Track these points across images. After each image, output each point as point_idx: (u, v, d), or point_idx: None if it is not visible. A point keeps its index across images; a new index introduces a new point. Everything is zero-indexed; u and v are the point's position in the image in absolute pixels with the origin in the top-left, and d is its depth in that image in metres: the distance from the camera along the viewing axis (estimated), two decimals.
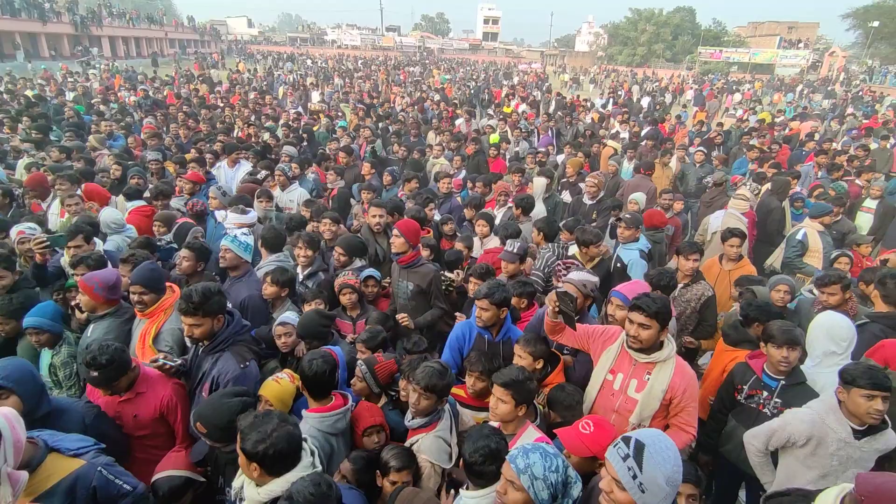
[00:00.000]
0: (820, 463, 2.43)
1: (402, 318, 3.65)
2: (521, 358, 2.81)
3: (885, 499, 1.71)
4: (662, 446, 1.64)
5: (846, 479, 2.38)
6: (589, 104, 16.73)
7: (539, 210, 6.14)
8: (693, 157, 8.56)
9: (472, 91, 21.39)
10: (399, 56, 47.58)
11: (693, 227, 7.25)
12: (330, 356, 2.49)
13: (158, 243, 4.33)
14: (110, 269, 3.37)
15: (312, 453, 2.04)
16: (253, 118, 11.35)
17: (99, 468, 1.99)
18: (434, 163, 7.86)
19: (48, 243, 3.75)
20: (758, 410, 2.92)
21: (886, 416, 2.36)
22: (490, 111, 13.78)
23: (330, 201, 6.35)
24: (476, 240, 4.92)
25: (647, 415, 2.47)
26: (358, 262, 4.16)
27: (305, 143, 8.84)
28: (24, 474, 1.81)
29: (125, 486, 2.03)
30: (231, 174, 6.58)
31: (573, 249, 4.52)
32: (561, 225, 4.86)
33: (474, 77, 30.45)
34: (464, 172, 7.48)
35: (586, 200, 6.17)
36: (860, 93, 27.55)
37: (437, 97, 17.47)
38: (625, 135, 10.90)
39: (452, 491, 2.26)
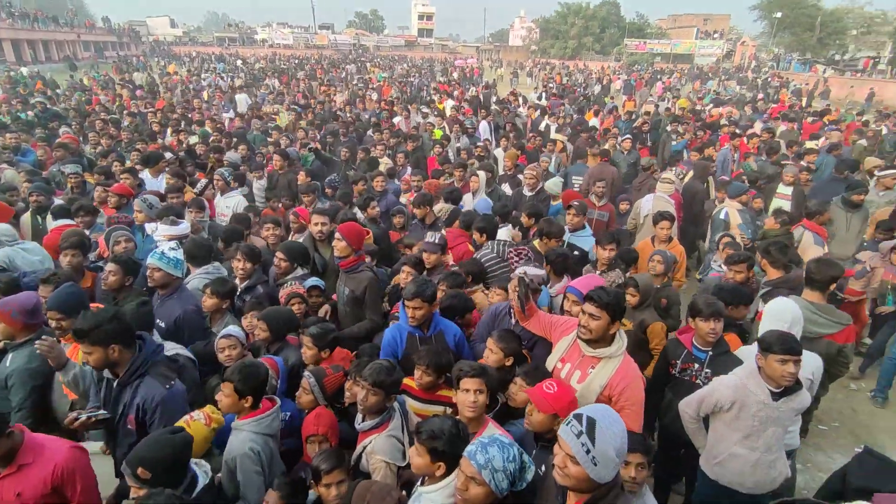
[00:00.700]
0: (743, 424, 2.63)
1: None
2: (493, 353, 2.80)
3: None
4: (611, 421, 1.76)
5: (766, 437, 2.61)
6: (521, 99, 17.06)
7: (484, 205, 6.28)
8: (621, 146, 8.96)
9: (413, 88, 21.34)
10: (334, 54, 46.62)
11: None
12: (257, 364, 2.46)
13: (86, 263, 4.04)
14: (29, 293, 3.12)
15: None
16: (183, 124, 10.77)
17: None
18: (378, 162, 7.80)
19: None
20: (691, 382, 3.12)
21: (800, 378, 2.59)
22: (425, 108, 13.78)
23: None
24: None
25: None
26: (300, 271, 4.05)
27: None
28: None
29: None
30: (156, 184, 6.21)
31: (504, 233, 4.62)
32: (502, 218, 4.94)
33: (412, 74, 30.35)
34: (409, 170, 7.47)
35: (526, 192, 6.28)
36: (769, 79, 29.83)
37: (374, 95, 17.29)
38: (554, 126, 11.18)
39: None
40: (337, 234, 3.66)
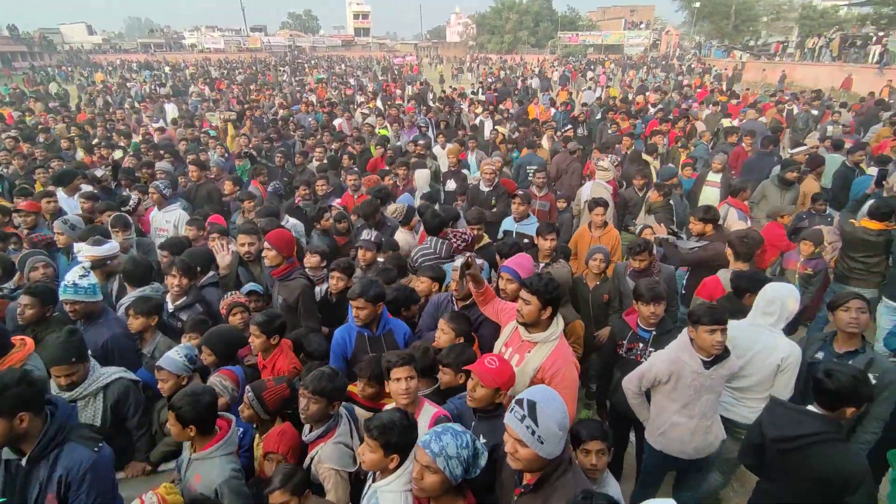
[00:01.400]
0: (681, 395, 2.78)
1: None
2: (445, 333, 2.91)
3: None
4: (550, 399, 1.85)
5: (702, 405, 2.77)
6: (457, 94, 17.21)
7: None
8: (563, 135, 9.21)
9: (355, 89, 21.01)
10: (269, 57, 45.22)
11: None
12: (199, 392, 2.34)
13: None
14: None
15: None
16: (113, 137, 10.06)
17: None
18: (318, 166, 7.62)
19: None
20: (636, 361, 3.25)
21: (728, 346, 2.77)
22: (364, 110, 13.61)
23: None
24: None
25: (518, 391, 2.62)
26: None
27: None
28: None
29: None
30: (72, 204, 5.78)
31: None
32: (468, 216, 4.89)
33: (352, 74, 29.92)
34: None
35: (483, 188, 6.16)
36: (692, 65, 31.52)
37: (313, 97, 16.92)
38: (489, 123, 11.27)
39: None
40: (266, 244, 3.54)
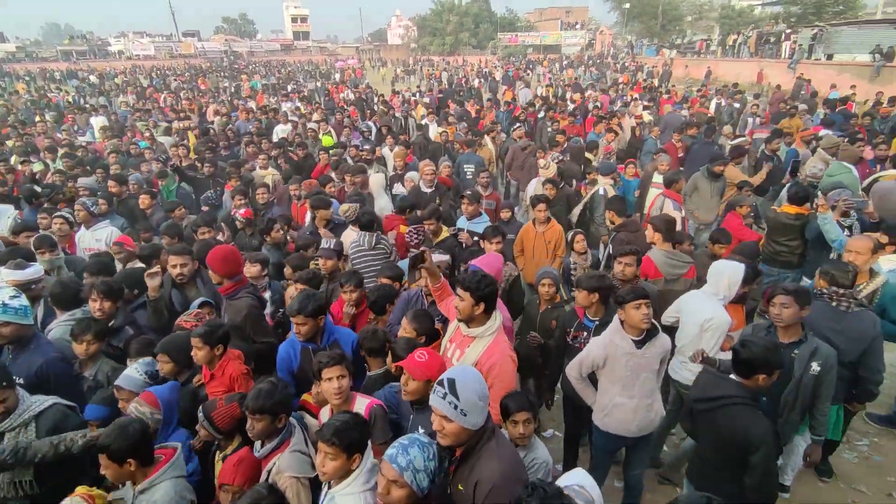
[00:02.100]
0: (618, 376, 2.95)
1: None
2: (406, 332, 3.00)
3: None
4: (467, 374, 1.99)
5: (640, 384, 2.94)
6: (401, 97, 17.22)
7: (384, 204, 6.36)
8: (513, 135, 9.41)
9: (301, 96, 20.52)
10: (204, 63, 43.43)
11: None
12: (125, 423, 2.23)
13: None
14: None
15: None
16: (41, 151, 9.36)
17: None
18: (263, 174, 7.42)
19: None
20: (580, 349, 3.36)
21: (655, 322, 2.95)
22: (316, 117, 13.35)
23: None
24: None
25: None
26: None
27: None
28: None
29: None
30: None
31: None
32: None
33: (292, 80, 29.24)
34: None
35: (425, 189, 6.26)
36: (626, 63, 32.95)
37: (252, 104, 16.41)
38: (433, 127, 11.27)
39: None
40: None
